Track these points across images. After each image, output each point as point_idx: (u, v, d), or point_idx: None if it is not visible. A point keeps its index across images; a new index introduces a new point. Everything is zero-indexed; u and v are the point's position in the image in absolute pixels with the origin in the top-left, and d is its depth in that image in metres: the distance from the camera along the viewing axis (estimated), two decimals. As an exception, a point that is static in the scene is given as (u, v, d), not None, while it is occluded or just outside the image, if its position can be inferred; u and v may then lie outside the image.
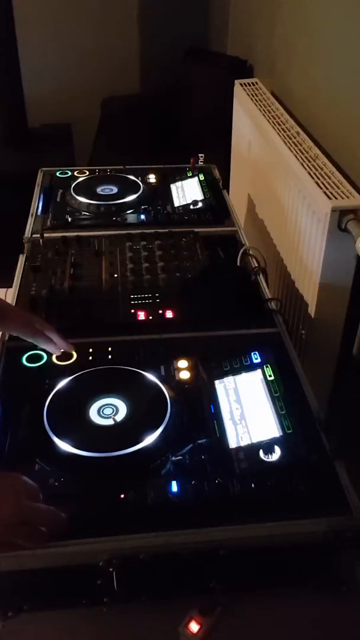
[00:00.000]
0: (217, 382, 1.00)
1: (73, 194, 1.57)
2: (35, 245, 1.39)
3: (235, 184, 2.12)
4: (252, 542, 0.79)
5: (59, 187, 1.64)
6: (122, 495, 0.80)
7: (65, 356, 1.05)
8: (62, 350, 1.05)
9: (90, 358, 1.05)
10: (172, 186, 1.67)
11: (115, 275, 1.29)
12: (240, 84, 2.01)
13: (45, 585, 0.80)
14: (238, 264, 1.31)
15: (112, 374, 1.01)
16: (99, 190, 1.60)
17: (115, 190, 1.60)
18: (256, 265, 1.31)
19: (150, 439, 0.86)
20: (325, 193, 1.31)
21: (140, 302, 1.21)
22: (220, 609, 0.84)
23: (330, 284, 1.35)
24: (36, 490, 0.80)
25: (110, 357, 1.06)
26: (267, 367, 1.00)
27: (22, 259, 1.36)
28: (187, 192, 1.62)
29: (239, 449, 0.87)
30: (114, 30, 2.81)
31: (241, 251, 1.33)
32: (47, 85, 2.79)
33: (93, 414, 0.91)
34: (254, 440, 0.88)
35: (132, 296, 1.22)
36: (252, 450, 0.87)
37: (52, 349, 1.05)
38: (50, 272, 1.30)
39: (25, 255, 1.37)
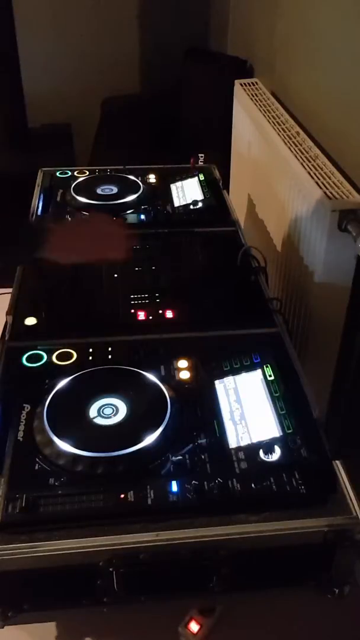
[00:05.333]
0: (217, 382, 1.00)
1: (73, 194, 1.57)
2: (35, 245, 1.39)
3: (235, 184, 2.12)
4: (252, 542, 0.78)
5: (59, 187, 1.64)
6: (122, 495, 0.80)
7: (65, 356, 1.05)
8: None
9: (90, 358, 1.05)
10: (172, 186, 1.67)
11: (115, 275, 1.29)
12: (240, 84, 2.01)
13: (45, 585, 0.80)
14: (238, 264, 1.31)
15: (112, 374, 1.00)
16: (99, 190, 1.59)
17: (115, 190, 1.59)
18: (256, 265, 1.31)
19: (150, 439, 0.86)
20: (325, 193, 1.31)
21: (140, 302, 1.21)
22: (220, 609, 0.85)
23: (330, 284, 1.35)
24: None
25: (110, 357, 1.06)
26: (267, 367, 1.00)
27: (22, 259, 1.35)
28: (187, 192, 1.62)
29: (239, 449, 0.87)
30: (114, 30, 2.81)
31: (241, 251, 1.33)
32: (47, 85, 2.79)
33: (93, 414, 0.91)
34: (254, 440, 0.88)
35: (132, 296, 1.22)
36: (252, 450, 0.87)
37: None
38: (50, 272, 1.30)
39: (25, 255, 1.37)
